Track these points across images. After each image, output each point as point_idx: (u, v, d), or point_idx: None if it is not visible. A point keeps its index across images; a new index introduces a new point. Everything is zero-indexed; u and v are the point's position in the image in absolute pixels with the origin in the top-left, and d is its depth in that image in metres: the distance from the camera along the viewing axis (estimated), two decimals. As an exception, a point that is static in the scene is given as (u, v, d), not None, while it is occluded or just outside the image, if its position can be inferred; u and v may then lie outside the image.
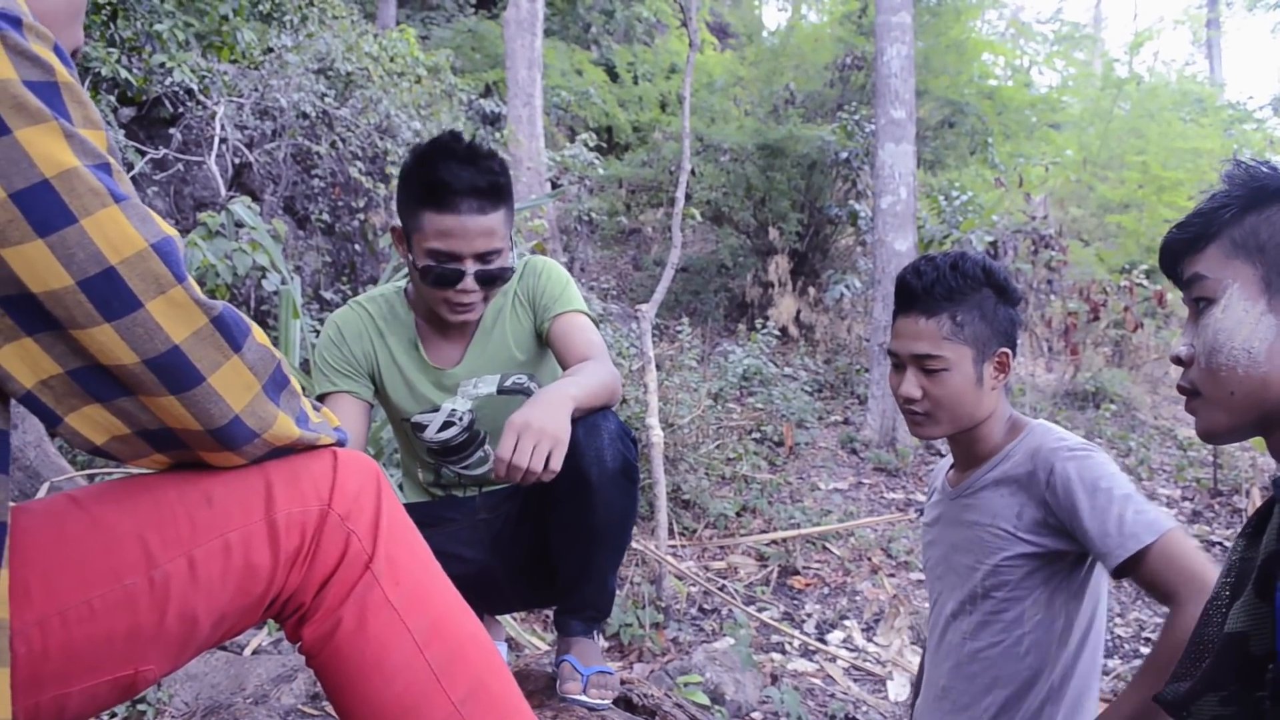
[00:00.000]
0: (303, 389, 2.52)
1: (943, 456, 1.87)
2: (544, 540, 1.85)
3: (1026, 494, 1.61)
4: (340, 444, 1.12)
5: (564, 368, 1.86)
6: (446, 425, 1.94)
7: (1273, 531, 0.88)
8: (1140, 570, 1.47)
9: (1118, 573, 1.50)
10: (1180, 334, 1.11)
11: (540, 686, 1.94)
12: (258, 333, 0.97)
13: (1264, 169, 1.06)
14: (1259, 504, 0.98)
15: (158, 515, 0.96)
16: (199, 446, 0.96)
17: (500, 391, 1.93)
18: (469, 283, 1.78)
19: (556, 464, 1.53)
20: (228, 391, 0.93)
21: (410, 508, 2.04)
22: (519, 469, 1.50)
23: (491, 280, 1.81)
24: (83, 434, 0.91)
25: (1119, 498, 1.49)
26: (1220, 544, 5.21)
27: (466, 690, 1.07)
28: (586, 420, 1.71)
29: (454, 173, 1.71)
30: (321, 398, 1.93)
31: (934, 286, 1.62)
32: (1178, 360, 1.11)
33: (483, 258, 1.77)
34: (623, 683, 2.02)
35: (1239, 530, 1.00)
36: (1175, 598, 1.42)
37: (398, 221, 1.86)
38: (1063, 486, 1.54)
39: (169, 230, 0.90)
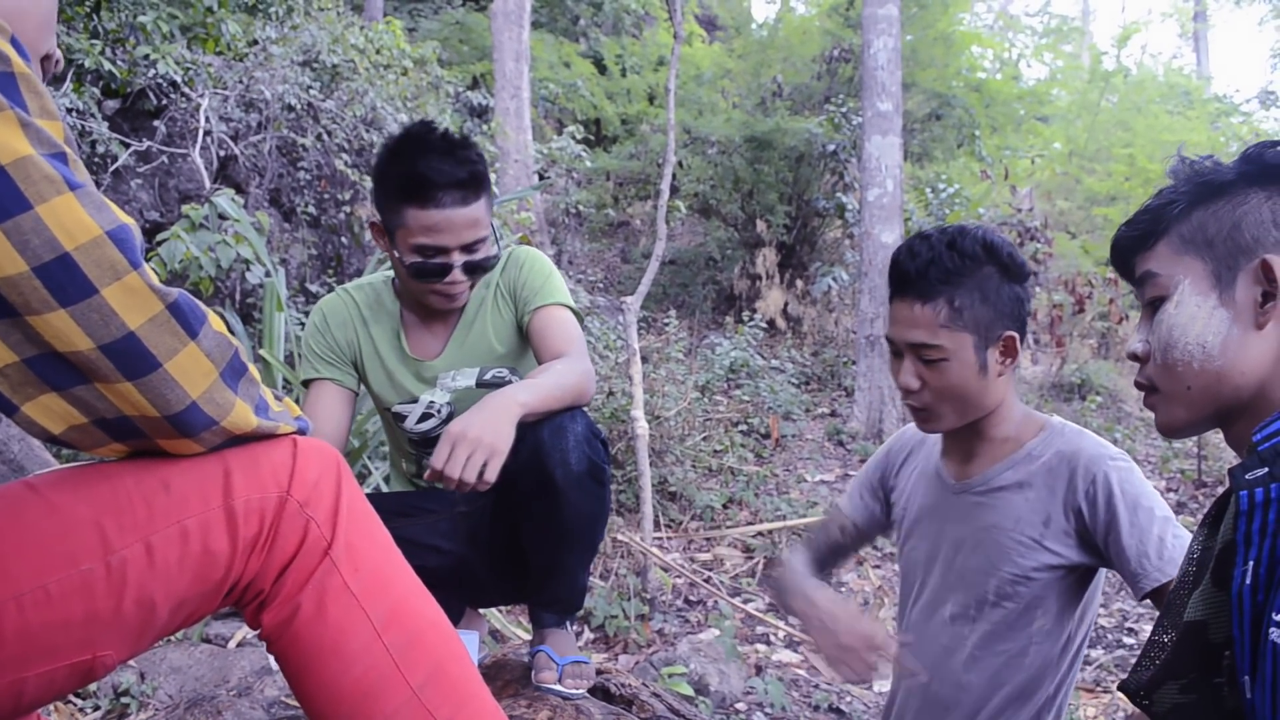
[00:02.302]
0: (286, 382, 2.51)
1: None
2: (519, 535, 1.85)
3: (1060, 501, 1.50)
4: (301, 432, 1.12)
5: (539, 363, 1.85)
6: (425, 417, 1.94)
7: (1229, 520, 0.89)
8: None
9: (1147, 596, 1.40)
10: (1135, 330, 1.12)
11: (516, 676, 1.95)
12: (214, 320, 0.97)
13: (1208, 164, 1.06)
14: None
15: (115, 501, 0.96)
16: (157, 434, 0.96)
17: (479, 384, 1.92)
18: (457, 274, 1.78)
19: (491, 474, 1.49)
20: (184, 378, 0.93)
21: (389, 496, 2.04)
22: (451, 479, 1.47)
23: (478, 269, 1.82)
24: (39, 423, 0.91)
25: (1160, 519, 1.40)
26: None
27: (425, 675, 1.07)
28: (553, 421, 1.68)
29: (434, 167, 1.69)
30: (306, 384, 1.94)
31: (929, 269, 1.48)
32: (1134, 356, 1.12)
33: (468, 248, 1.77)
34: (600, 673, 2.03)
35: (1199, 519, 1.01)
36: None
37: (376, 216, 1.85)
38: (1104, 497, 1.44)
39: (125, 218, 0.90)
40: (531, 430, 1.66)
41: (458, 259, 1.77)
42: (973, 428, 1.58)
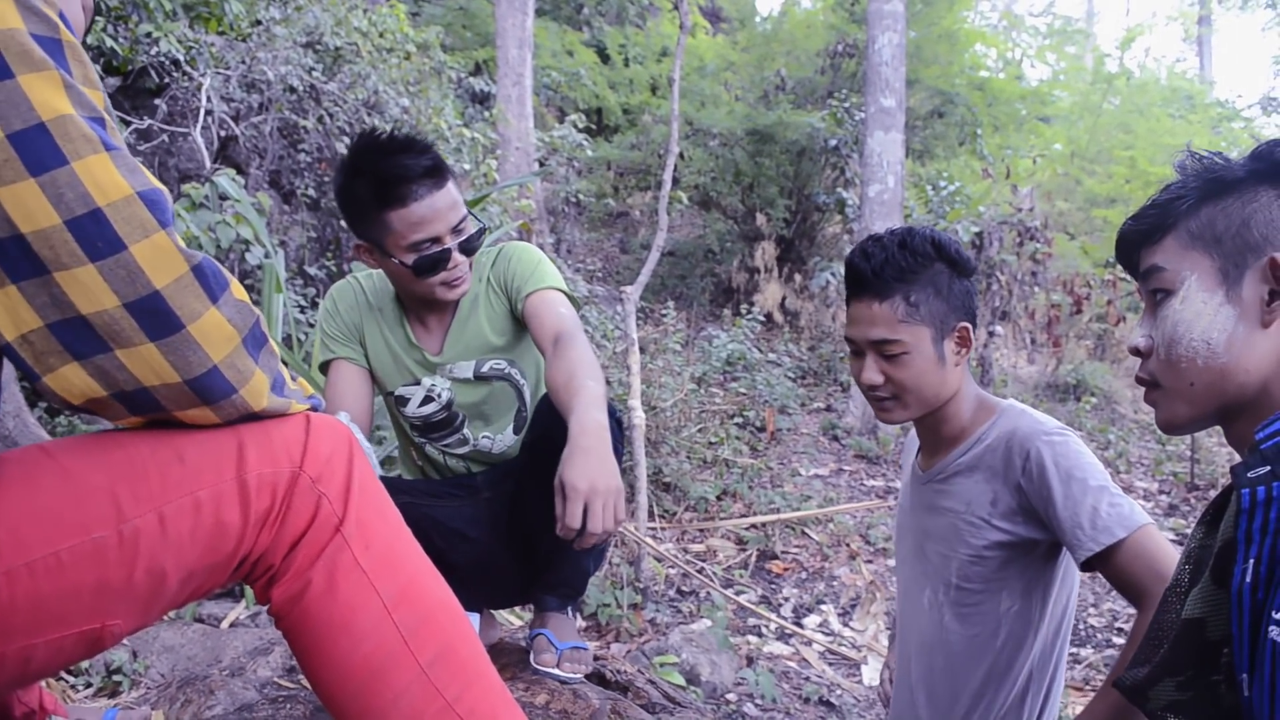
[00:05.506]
0: (285, 363, 2.50)
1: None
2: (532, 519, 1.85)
3: (1001, 479, 1.56)
4: (314, 410, 1.12)
5: (537, 345, 1.87)
6: (427, 400, 1.96)
7: (1229, 519, 0.89)
8: (1110, 565, 1.43)
9: (1086, 566, 1.46)
10: (1138, 325, 1.12)
11: (514, 659, 1.96)
12: (236, 288, 0.98)
13: (1218, 160, 1.06)
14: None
15: (129, 470, 0.96)
16: (176, 405, 0.96)
17: (476, 377, 1.95)
18: (456, 257, 1.81)
19: (623, 513, 1.49)
20: (207, 341, 0.94)
21: (417, 481, 2.06)
22: (594, 535, 1.45)
23: (471, 246, 1.85)
24: (61, 395, 0.92)
25: (1094, 488, 1.45)
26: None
27: (434, 653, 1.08)
28: None
29: (402, 165, 1.72)
30: (325, 366, 1.97)
31: (884, 268, 1.55)
32: (1136, 352, 1.12)
33: (457, 230, 1.81)
34: (596, 659, 2.04)
35: (1198, 518, 1.02)
36: (1145, 596, 1.38)
37: (356, 240, 1.88)
38: (1038, 472, 1.49)
39: (157, 184, 0.92)
40: (545, 409, 1.68)
41: (451, 242, 1.80)
42: (933, 420, 1.66)
